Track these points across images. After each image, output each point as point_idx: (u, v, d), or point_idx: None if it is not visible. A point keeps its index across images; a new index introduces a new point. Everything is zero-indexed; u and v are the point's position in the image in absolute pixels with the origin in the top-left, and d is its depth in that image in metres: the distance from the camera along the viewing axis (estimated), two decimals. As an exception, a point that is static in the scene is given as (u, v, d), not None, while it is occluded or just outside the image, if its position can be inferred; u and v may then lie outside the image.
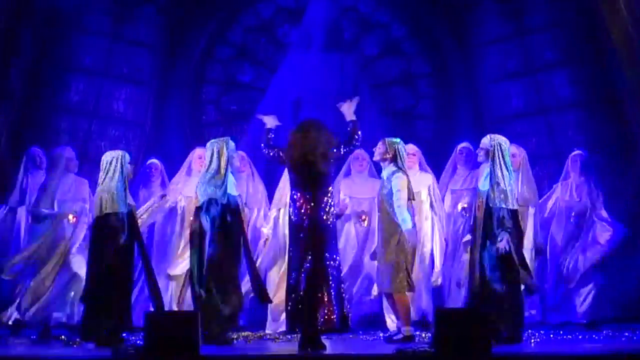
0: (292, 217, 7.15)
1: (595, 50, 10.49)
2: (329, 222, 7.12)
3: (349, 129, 7.43)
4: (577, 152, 9.25)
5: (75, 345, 7.64)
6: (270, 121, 7.63)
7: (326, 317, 6.98)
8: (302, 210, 7.08)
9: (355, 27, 12.09)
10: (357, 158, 9.06)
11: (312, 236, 7.04)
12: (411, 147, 8.82)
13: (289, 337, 8.07)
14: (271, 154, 7.45)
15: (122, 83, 11.22)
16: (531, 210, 8.73)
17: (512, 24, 11.22)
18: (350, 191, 9.07)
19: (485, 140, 7.71)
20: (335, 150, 7.23)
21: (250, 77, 12.07)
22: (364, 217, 8.94)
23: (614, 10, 9.70)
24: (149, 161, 9.42)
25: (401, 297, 7.79)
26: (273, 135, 7.56)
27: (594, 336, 8.07)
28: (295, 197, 7.16)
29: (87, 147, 10.71)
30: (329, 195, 7.17)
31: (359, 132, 7.43)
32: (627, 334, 8.16)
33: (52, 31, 10.46)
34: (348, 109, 7.49)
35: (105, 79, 11.08)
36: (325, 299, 7.00)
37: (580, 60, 10.76)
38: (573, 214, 9.05)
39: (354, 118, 7.46)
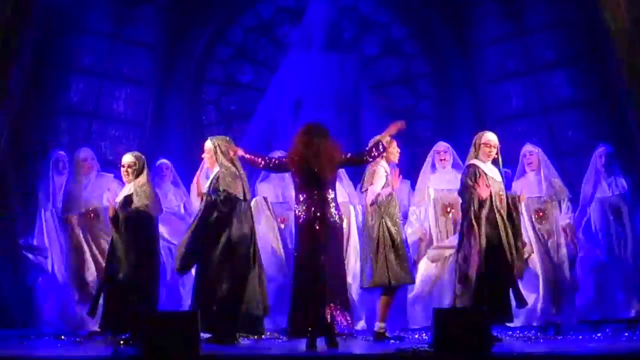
0: (299, 217, 7.15)
1: (595, 50, 10.49)
2: (335, 223, 7.13)
3: (372, 146, 7.43)
4: (601, 148, 9.12)
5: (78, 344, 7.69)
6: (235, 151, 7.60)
7: (336, 317, 6.97)
8: (309, 212, 7.09)
9: (355, 27, 12.10)
10: None
11: (320, 237, 7.04)
12: (442, 145, 8.93)
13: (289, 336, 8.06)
14: (267, 164, 7.42)
15: (122, 83, 11.23)
16: (566, 203, 8.69)
17: (512, 24, 11.23)
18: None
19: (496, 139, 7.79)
20: (342, 154, 7.23)
21: (250, 77, 12.08)
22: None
23: (614, 10, 9.69)
24: (159, 161, 9.43)
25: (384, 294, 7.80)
26: (251, 152, 7.54)
27: (593, 336, 8.08)
28: (301, 198, 7.16)
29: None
30: (334, 196, 7.18)
31: (377, 155, 7.46)
32: (627, 334, 8.15)
33: (52, 31, 10.46)
34: (389, 131, 7.47)
35: (105, 79, 11.08)
36: (335, 300, 7.00)
37: (580, 60, 10.77)
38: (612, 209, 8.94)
39: (385, 141, 7.44)
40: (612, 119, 10.36)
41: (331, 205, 7.12)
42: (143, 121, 11.39)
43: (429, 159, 8.99)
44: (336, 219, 7.14)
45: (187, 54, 11.78)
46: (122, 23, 11.14)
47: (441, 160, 8.91)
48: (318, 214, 7.07)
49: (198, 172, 8.06)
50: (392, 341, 7.65)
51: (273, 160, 7.47)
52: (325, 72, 11.48)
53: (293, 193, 7.44)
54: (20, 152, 9.77)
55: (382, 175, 7.79)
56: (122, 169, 7.89)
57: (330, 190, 7.16)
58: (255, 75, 12.07)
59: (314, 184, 7.12)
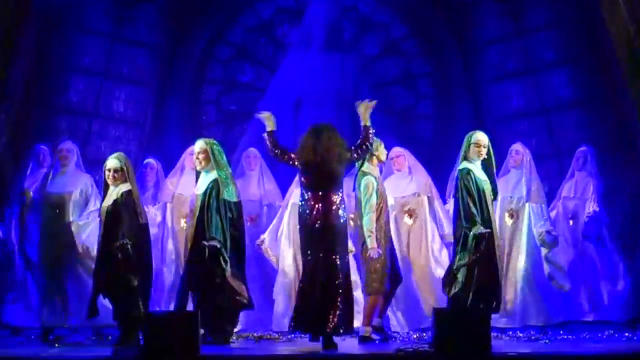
0: (304, 218, 7.14)
1: (595, 50, 10.49)
2: (341, 223, 7.12)
3: (362, 134, 7.39)
4: (582, 148, 9.21)
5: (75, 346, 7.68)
6: (268, 122, 7.51)
7: (338, 318, 6.96)
8: (315, 211, 7.08)
9: (355, 27, 12.10)
10: None
11: (324, 237, 7.04)
12: (396, 151, 8.81)
13: (290, 337, 8.06)
14: (284, 157, 7.34)
15: (122, 83, 11.23)
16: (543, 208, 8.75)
17: (512, 24, 11.23)
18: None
19: (486, 139, 7.81)
20: (347, 153, 7.22)
21: (250, 77, 12.08)
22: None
23: (614, 10, 9.69)
24: (146, 160, 9.41)
25: (371, 297, 7.73)
26: (276, 137, 7.44)
27: (598, 335, 8.10)
28: (306, 197, 7.15)
29: (87, 147, 10.71)
30: (340, 196, 7.17)
31: (371, 139, 7.41)
32: (627, 334, 8.16)
33: (52, 31, 10.46)
34: (364, 112, 7.41)
35: (105, 79, 11.09)
36: (338, 301, 6.99)
37: (580, 60, 10.77)
38: (570, 212, 9.04)
39: (368, 124, 7.40)
40: (612, 119, 10.37)
41: (336, 205, 7.11)
42: (143, 121, 11.39)
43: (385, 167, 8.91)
44: (342, 220, 7.12)
45: (187, 54, 11.78)
46: (122, 23, 11.14)
47: (396, 165, 8.80)
48: (324, 215, 7.05)
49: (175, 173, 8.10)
50: (376, 341, 7.64)
51: (286, 155, 7.34)
52: (325, 72, 11.47)
53: (298, 191, 7.43)
54: (20, 152, 9.76)
55: (372, 194, 7.72)
56: (107, 172, 7.64)
57: (337, 190, 7.14)
58: (255, 75, 12.07)
59: (321, 184, 7.10)
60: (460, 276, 7.50)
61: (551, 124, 11.01)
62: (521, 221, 8.63)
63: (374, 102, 7.45)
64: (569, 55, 10.87)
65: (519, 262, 8.58)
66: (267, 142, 7.42)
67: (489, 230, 7.51)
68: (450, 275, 7.62)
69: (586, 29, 10.56)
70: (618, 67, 9.95)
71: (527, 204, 8.64)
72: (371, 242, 7.49)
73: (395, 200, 8.66)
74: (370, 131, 7.39)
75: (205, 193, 7.64)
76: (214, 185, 7.65)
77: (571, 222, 9.05)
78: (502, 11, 11.25)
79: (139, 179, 9.22)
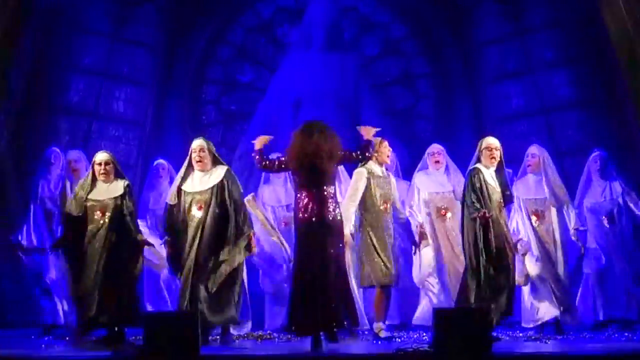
0: (299, 216, 7.12)
1: (595, 50, 10.50)
2: (335, 220, 7.11)
3: (362, 144, 7.39)
4: (596, 152, 9.07)
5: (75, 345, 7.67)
6: (260, 143, 7.46)
7: (337, 314, 6.96)
8: (309, 209, 7.07)
9: (355, 27, 12.12)
10: None
11: (320, 233, 7.03)
12: (436, 147, 8.89)
13: (290, 336, 8.06)
14: (274, 165, 7.34)
15: (122, 83, 11.24)
16: (571, 210, 8.69)
17: (512, 24, 11.24)
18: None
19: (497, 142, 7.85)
20: (341, 151, 7.21)
21: (250, 77, 12.09)
22: None
23: (614, 10, 9.70)
24: (156, 162, 9.41)
25: (378, 292, 7.77)
26: (262, 153, 7.40)
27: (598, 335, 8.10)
28: (300, 196, 7.13)
29: (87, 147, 10.70)
30: (334, 193, 7.17)
31: (369, 154, 7.46)
32: (627, 334, 8.16)
33: (52, 31, 10.47)
34: (367, 132, 7.45)
35: (105, 79, 11.10)
36: (337, 297, 6.99)
37: (580, 60, 10.77)
38: (605, 215, 8.97)
39: (371, 139, 7.43)
40: (612, 119, 10.37)
41: (331, 203, 7.09)
42: (143, 121, 11.39)
43: (422, 162, 8.95)
44: (336, 217, 7.12)
45: (187, 54, 11.79)
46: (122, 23, 11.15)
47: (435, 162, 8.85)
48: (318, 212, 7.04)
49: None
50: (379, 342, 7.63)
51: (274, 162, 7.35)
52: (325, 72, 11.48)
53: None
54: (20, 152, 9.77)
55: (358, 185, 7.77)
56: (98, 167, 7.57)
57: (330, 188, 7.12)
58: (255, 75, 12.08)
59: (314, 182, 7.08)
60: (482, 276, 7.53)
61: (551, 124, 11.02)
62: (552, 221, 8.60)
63: (376, 129, 7.49)
64: (569, 55, 10.88)
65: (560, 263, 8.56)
66: (256, 158, 7.39)
67: (491, 213, 7.53)
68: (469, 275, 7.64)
69: (586, 29, 10.57)
70: (618, 67, 9.95)
71: (553, 207, 8.58)
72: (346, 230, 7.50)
73: (430, 195, 8.70)
74: (371, 148, 7.43)
75: (219, 185, 7.58)
76: (229, 175, 7.62)
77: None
78: (502, 11, 11.26)
79: (150, 180, 9.27)
